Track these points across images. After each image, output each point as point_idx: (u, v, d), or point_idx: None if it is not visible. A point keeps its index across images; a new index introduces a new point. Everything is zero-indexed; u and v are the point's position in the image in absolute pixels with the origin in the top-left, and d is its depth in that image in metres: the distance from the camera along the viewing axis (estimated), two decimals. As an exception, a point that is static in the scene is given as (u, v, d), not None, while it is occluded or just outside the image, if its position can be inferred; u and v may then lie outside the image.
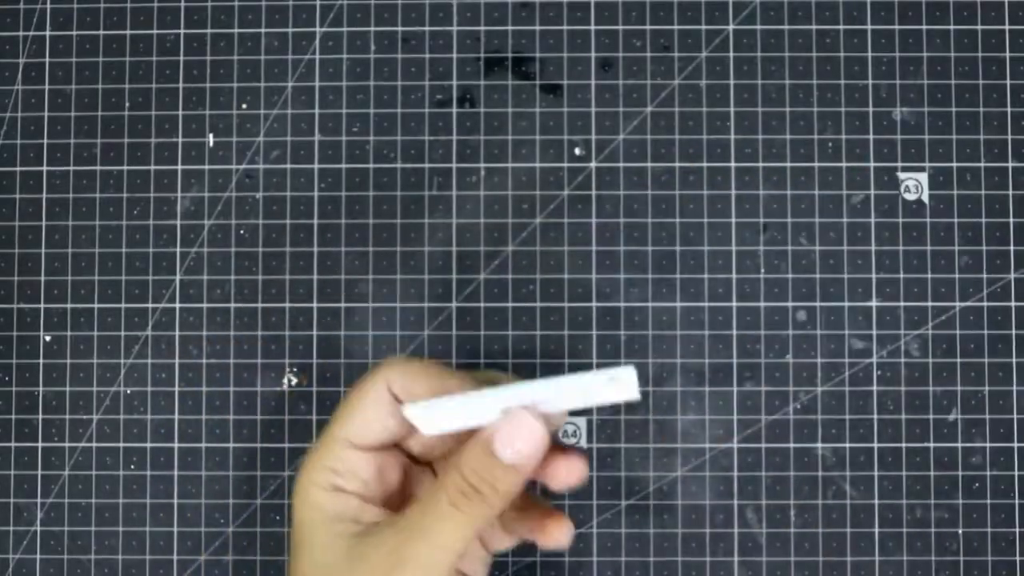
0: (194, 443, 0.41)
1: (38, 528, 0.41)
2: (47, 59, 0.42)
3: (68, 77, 0.42)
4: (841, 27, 0.42)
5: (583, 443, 0.41)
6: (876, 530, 0.41)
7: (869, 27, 0.42)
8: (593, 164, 0.42)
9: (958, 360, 0.41)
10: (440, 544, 0.30)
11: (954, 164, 0.41)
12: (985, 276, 0.41)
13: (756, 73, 0.42)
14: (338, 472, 0.32)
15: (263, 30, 0.42)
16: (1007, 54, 0.42)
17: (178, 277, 0.42)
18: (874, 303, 0.41)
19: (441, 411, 0.30)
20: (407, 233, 0.42)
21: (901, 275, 0.41)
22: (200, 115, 0.42)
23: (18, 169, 0.42)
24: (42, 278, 0.42)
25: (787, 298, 0.41)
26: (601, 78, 0.42)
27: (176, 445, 0.41)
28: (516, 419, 0.29)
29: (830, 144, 0.42)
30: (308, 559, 0.31)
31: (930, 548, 0.41)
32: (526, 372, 0.41)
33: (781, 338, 0.41)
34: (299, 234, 0.42)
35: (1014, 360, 0.41)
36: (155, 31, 0.42)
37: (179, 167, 0.42)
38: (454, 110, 0.42)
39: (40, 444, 0.41)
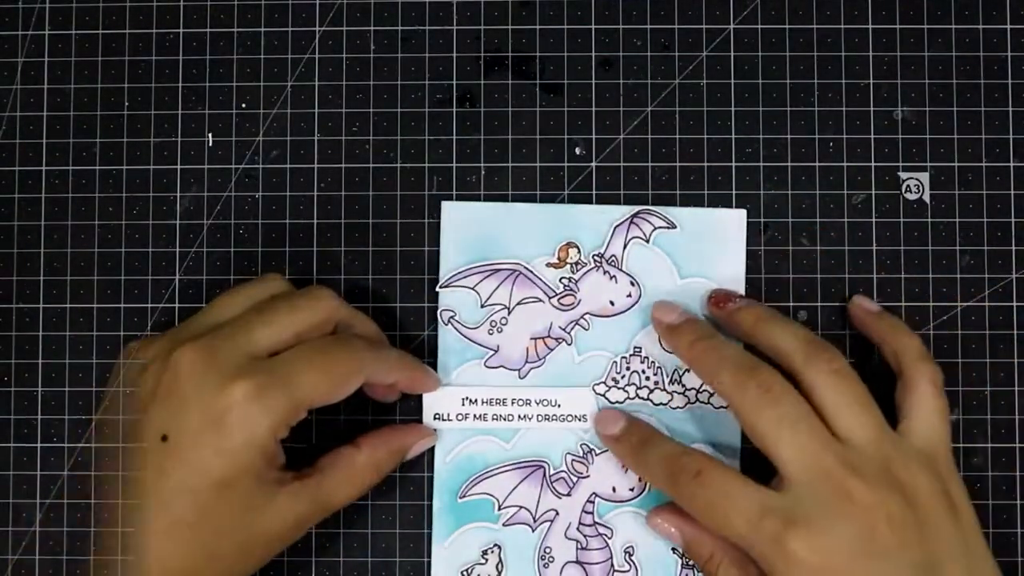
0: (193, 444, 0.41)
1: (37, 529, 0.41)
2: (46, 58, 0.42)
3: (67, 76, 0.42)
4: (842, 26, 0.42)
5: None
6: (877, 531, 0.41)
7: (870, 26, 0.42)
8: (593, 164, 0.42)
9: (959, 360, 0.41)
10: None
11: (955, 164, 0.41)
12: (987, 276, 0.41)
13: (757, 72, 0.42)
14: (288, 429, 0.35)
15: (263, 29, 0.42)
16: (1008, 53, 0.42)
17: (177, 277, 0.42)
18: (875, 303, 0.41)
19: None
20: (407, 233, 0.42)
21: (902, 275, 0.41)
22: (199, 115, 0.42)
23: (17, 169, 0.42)
24: (41, 278, 0.42)
25: (788, 298, 0.41)
26: (601, 78, 0.42)
27: (175, 446, 0.41)
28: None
29: (831, 144, 0.42)
30: (228, 495, 0.34)
31: (931, 549, 0.40)
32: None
33: (782, 338, 0.41)
34: (299, 234, 0.42)
35: (1016, 361, 0.41)
36: (154, 30, 0.42)
37: (178, 167, 0.42)
38: (454, 110, 0.42)
39: (39, 445, 0.41)
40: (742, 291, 0.41)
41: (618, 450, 0.39)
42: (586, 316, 0.41)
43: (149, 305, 0.42)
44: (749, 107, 0.42)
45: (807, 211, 0.41)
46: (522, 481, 0.40)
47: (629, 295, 0.41)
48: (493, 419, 0.40)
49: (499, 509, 0.40)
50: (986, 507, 0.41)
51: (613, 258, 0.41)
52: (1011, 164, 0.41)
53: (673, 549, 0.40)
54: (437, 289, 0.41)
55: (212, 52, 0.42)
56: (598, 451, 0.40)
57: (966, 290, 0.41)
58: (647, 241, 0.41)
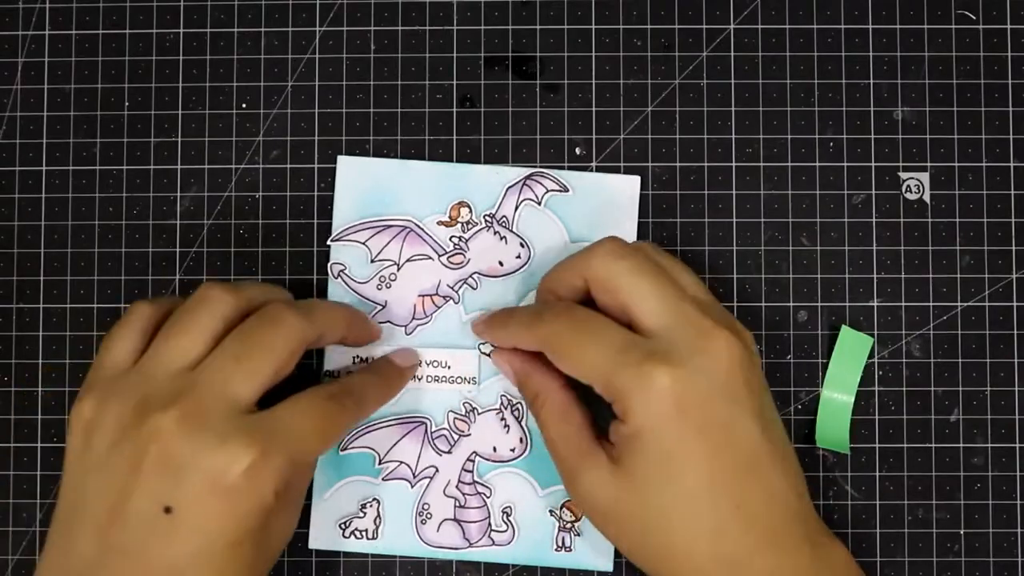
0: (193, 443, 0.41)
1: (37, 529, 0.41)
2: (46, 58, 0.42)
3: (67, 76, 0.42)
4: (842, 26, 0.42)
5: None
6: (878, 531, 0.41)
7: (870, 26, 0.42)
8: (593, 164, 0.42)
9: (960, 360, 0.41)
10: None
11: (956, 164, 0.41)
12: (987, 276, 0.41)
13: (757, 72, 0.42)
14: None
15: (263, 29, 0.42)
16: (1008, 53, 0.42)
17: (178, 277, 0.42)
18: (875, 303, 0.41)
19: None
20: (407, 233, 0.42)
21: (902, 275, 0.41)
22: (200, 115, 0.42)
23: (17, 169, 0.42)
24: (41, 278, 0.42)
25: (788, 298, 0.41)
26: (601, 78, 0.42)
27: (175, 446, 0.41)
28: None
29: (831, 144, 0.42)
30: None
31: (932, 549, 0.40)
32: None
33: (782, 338, 0.41)
34: (299, 234, 0.42)
35: (1016, 360, 0.41)
36: (154, 30, 0.42)
37: (178, 167, 0.42)
38: (454, 110, 0.42)
39: (39, 445, 0.41)
40: None
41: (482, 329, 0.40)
42: (475, 275, 0.41)
43: (149, 305, 0.42)
44: (749, 107, 0.42)
45: (807, 211, 0.41)
46: (404, 436, 0.40)
47: (518, 256, 0.41)
48: None
49: (379, 463, 0.40)
50: (986, 507, 0.41)
51: (504, 219, 0.41)
52: (1011, 164, 0.41)
53: (551, 512, 0.40)
54: (328, 243, 0.41)
55: (212, 52, 0.42)
56: (481, 410, 0.40)
57: (966, 290, 0.41)
58: (539, 203, 0.41)
